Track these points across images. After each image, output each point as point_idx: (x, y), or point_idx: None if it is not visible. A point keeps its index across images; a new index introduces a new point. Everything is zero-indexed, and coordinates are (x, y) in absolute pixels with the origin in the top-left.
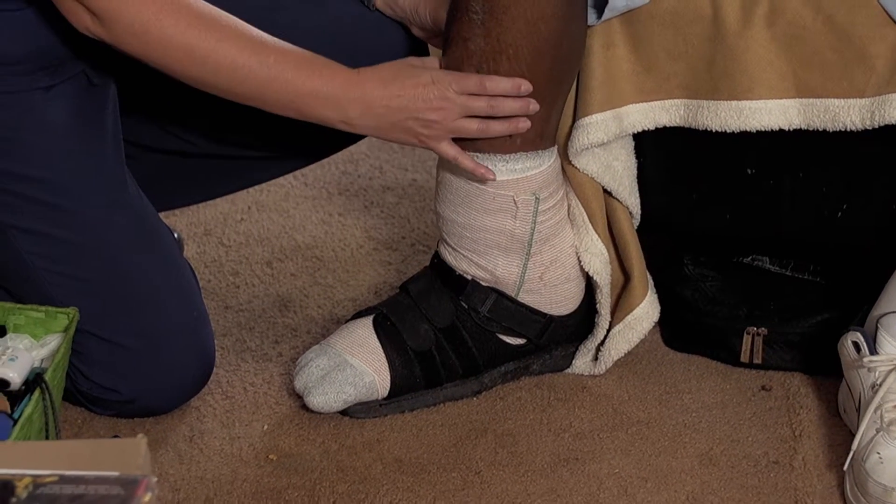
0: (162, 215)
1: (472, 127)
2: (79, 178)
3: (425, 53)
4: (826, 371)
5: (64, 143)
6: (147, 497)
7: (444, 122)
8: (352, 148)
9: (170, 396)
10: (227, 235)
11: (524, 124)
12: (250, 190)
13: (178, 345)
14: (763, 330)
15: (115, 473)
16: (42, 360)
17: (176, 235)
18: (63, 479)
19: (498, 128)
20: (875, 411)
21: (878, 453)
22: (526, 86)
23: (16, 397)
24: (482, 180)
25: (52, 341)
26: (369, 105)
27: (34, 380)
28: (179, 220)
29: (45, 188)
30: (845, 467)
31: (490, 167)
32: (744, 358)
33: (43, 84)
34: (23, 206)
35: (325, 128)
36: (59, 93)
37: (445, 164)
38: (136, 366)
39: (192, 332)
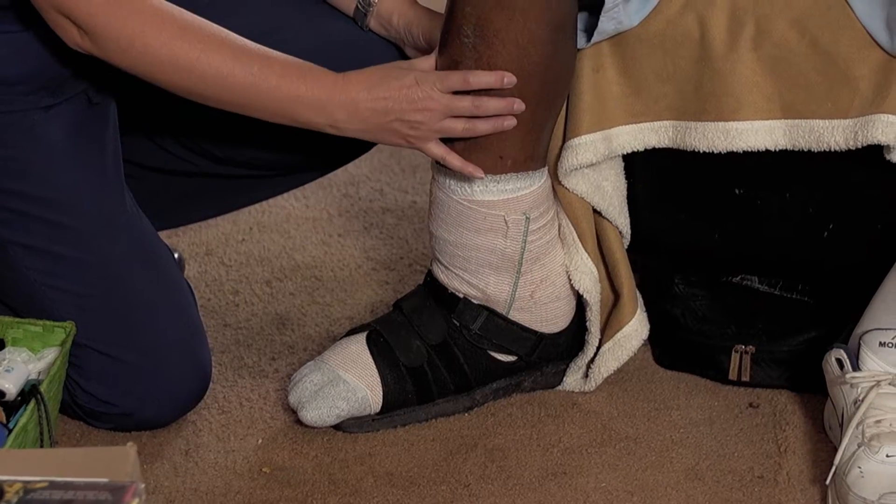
0: (164, 235)
1: (458, 127)
2: (78, 196)
3: None
4: (813, 389)
5: (64, 162)
6: (134, 502)
7: (430, 123)
8: (353, 171)
9: (167, 410)
10: (228, 255)
11: (510, 122)
12: (252, 211)
13: (175, 359)
14: (751, 348)
15: (105, 480)
16: (39, 372)
17: (177, 255)
18: (53, 485)
19: (483, 126)
20: (857, 426)
21: (860, 467)
22: (509, 78)
23: (11, 408)
24: (471, 179)
25: (50, 354)
26: (355, 108)
27: (30, 391)
28: (181, 240)
29: (44, 206)
30: (827, 481)
31: (481, 188)
32: (732, 375)
33: (44, 104)
34: (23, 223)
35: (325, 146)
36: (60, 112)
37: (438, 185)
38: (134, 380)
39: (189, 346)
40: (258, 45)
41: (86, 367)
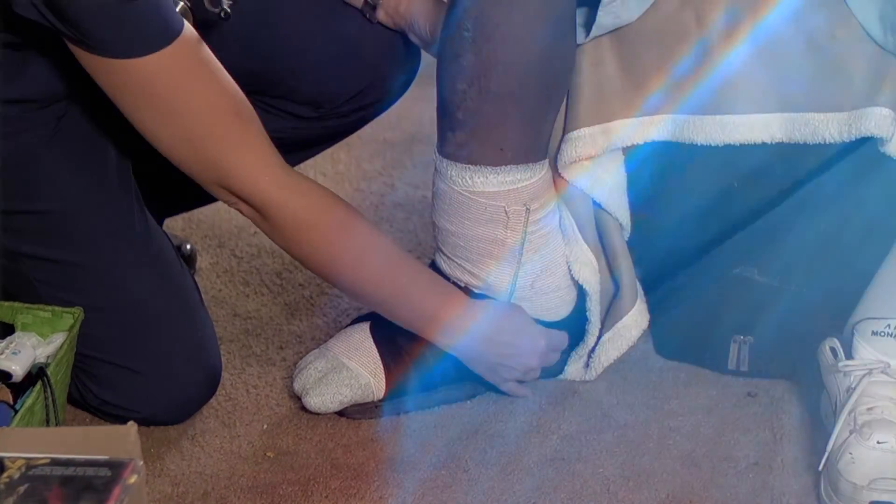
0: (177, 226)
1: (519, 391)
2: (85, 207)
3: (416, 60)
4: (811, 379)
5: (70, 173)
6: (133, 479)
7: (515, 374)
8: (366, 166)
9: (177, 412)
10: (241, 248)
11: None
12: None
13: (186, 365)
14: (750, 338)
15: (105, 457)
16: (48, 356)
17: (189, 247)
18: (54, 462)
19: (522, 392)
20: (849, 414)
21: (851, 453)
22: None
23: (19, 389)
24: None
25: (58, 339)
26: (476, 340)
27: (37, 373)
28: (194, 232)
29: (52, 217)
30: (820, 468)
31: (482, 179)
32: (731, 365)
33: (51, 118)
34: (32, 234)
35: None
36: (66, 125)
37: (440, 176)
38: (145, 387)
39: (199, 351)
40: (408, 256)
41: (97, 376)
